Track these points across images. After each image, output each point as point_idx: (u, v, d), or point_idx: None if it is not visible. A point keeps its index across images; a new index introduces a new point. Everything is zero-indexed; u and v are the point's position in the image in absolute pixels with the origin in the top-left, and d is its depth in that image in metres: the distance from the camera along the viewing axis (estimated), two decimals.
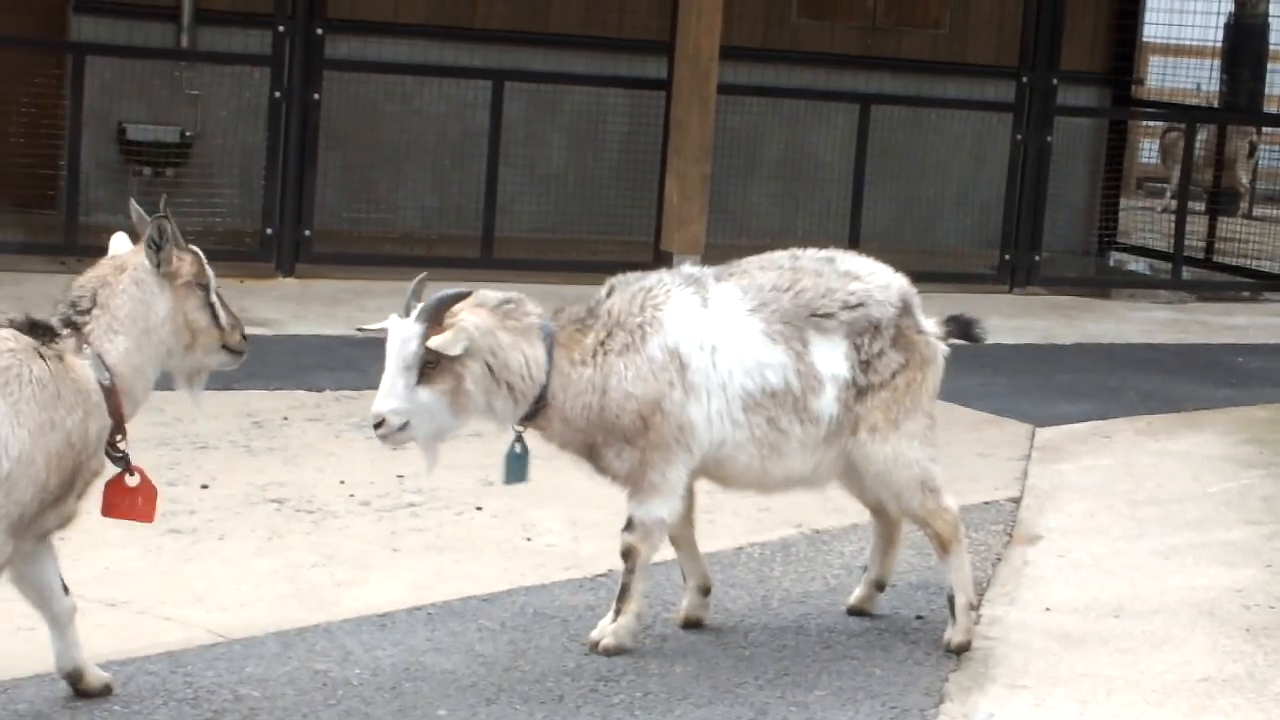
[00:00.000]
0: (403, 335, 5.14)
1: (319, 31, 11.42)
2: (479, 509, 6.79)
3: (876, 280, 5.52)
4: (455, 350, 5.10)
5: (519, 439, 5.40)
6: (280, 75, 11.39)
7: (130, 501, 4.75)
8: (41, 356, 4.42)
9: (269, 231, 11.44)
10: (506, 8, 13.36)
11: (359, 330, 5.44)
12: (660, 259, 12.00)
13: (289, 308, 10.53)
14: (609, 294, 5.43)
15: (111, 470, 4.70)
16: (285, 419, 7.98)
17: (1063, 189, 14.14)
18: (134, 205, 4.81)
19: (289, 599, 5.74)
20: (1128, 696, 5.23)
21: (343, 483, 7.04)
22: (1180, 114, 16.67)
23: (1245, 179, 18.42)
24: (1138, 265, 15.29)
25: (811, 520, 6.92)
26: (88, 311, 4.60)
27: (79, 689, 4.77)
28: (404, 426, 5.17)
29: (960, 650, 5.53)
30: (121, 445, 4.62)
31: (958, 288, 12.69)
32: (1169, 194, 17.71)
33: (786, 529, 6.80)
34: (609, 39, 13.39)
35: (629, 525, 5.39)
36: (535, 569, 6.17)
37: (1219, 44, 18.11)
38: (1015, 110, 13.26)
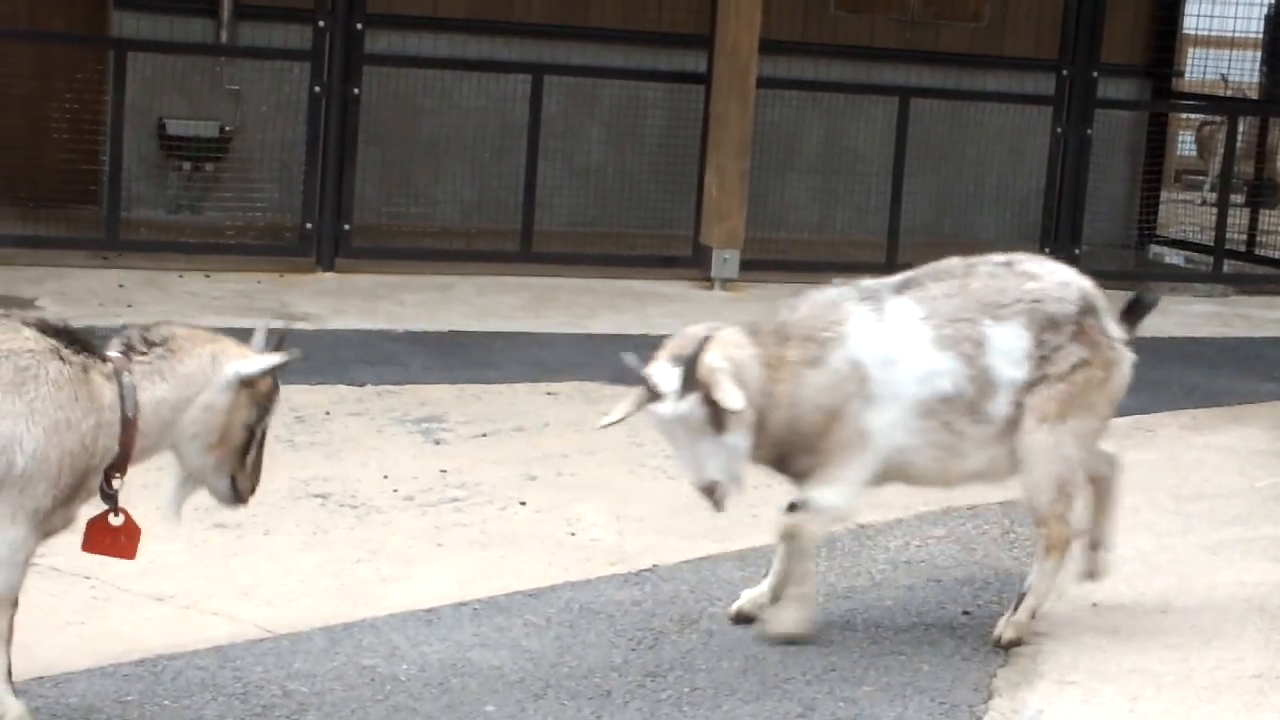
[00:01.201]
0: (682, 412, 5.23)
1: (359, 26, 11.43)
2: (522, 504, 6.78)
3: (1055, 279, 5.60)
4: (739, 403, 5.23)
5: None
6: (320, 70, 11.40)
7: (112, 539, 4.67)
8: (61, 359, 4.42)
9: (308, 226, 11.46)
10: (545, 2, 13.36)
11: (603, 426, 5.52)
12: (699, 253, 12.00)
13: (328, 302, 10.54)
14: (794, 311, 5.53)
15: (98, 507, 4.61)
16: (327, 414, 7.99)
17: (1102, 182, 14.07)
18: (257, 333, 4.74)
19: (334, 594, 5.74)
20: (1178, 693, 5.20)
21: (386, 477, 7.05)
22: (1221, 106, 16.57)
23: None
24: (1177, 258, 15.20)
25: (856, 515, 6.89)
26: (151, 347, 4.58)
27: None
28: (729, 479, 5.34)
29: (1010, 646, 5.51)
30: (116, 483, 4.55)
31: None
32: (1207, 186, 17.60)
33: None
34: (648, 33, 13.37)
35: (799, 505, 5.46)
36: (580, 564, 6.16)
37: (1260, 35, 17.98)
38: (1055, 103, 13.19)
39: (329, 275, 11.36)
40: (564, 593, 5.83)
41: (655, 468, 7.29)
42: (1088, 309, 5.57)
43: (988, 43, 14.64)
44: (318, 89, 11.38)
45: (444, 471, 7.13)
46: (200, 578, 5.81)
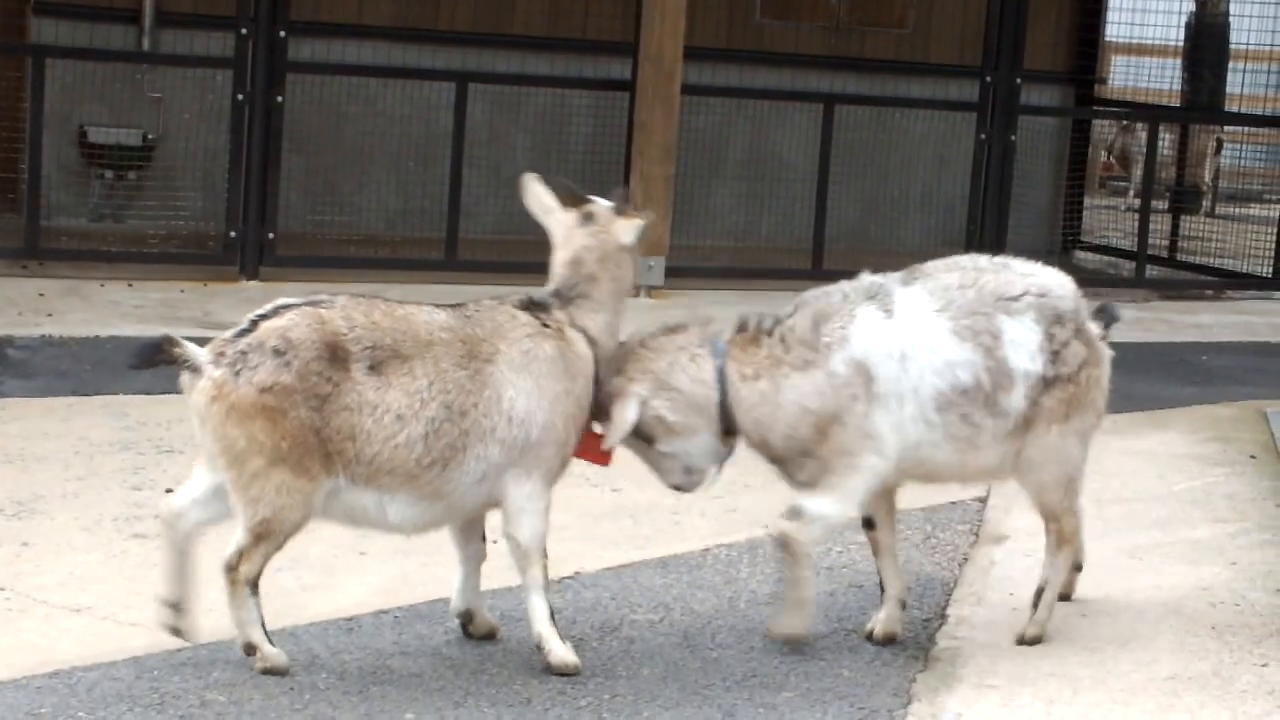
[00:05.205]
0: None
1: (282, 34, 11.36)
2: None
3: (1052, 275, 5.75)
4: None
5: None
6: (243, 78, 11.33)
7: (594, 442, 5.40)
8: (547, 335, 5.26)
9: (232, 234, 11.39)
10: (470, 9, 13.33)
11: None
12: None
13: (252, 311, 10.47)
14: (793, 313, 5.51)
15: None
16: None
17: (1026, 188, 14.17)
18: None
19: None
20: (1094, 695, 5.24)
21: None
22: (1143, 113, 16.72)
23: (1208, 177, 18.47)
24: (1101, 264, 15.31)
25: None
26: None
27: (468, 630, 5.47)
28: None
29: (1034, 641, 5.65)
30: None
31: None
32: (1131, 193, 17.76)
33: (754, 530, 6.79)
34: (573, 40, 13.37)
35: (792, 512, 5.45)
36: (502, 572, 6.10)
37: (1180, 43, 18.17)
38: (979, 110, 13.27)
39: (253, 284, 11.30)
40: (485, 600, 5.81)
41: (579, 475, 7.26)
42: (1081, 307, 5.73)
43: (912, 49, 14.71)
44: (241, 96, 11.32)
45: None
46: (119, 589, 5.78)
